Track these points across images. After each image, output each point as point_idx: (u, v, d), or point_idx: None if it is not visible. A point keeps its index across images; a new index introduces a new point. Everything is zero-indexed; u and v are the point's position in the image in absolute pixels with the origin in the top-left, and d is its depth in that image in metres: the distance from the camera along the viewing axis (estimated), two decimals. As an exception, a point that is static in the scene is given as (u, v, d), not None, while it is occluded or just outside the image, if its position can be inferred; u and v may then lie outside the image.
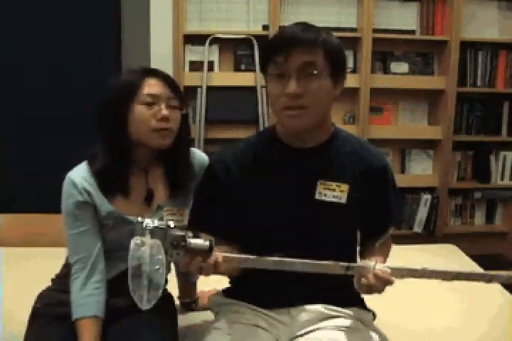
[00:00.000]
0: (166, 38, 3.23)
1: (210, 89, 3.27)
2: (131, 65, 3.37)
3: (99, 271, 1.48)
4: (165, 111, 1.45)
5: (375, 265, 1.27)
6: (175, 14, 3.20)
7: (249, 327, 1.43)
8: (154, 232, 1.12)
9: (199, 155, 1.61)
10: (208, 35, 3.23)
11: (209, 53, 3.27)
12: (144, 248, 1.13)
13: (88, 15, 3.30)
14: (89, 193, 1.48)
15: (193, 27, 3.28)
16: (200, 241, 1.15)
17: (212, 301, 1.62)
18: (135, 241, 1.14)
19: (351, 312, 1.50)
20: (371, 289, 1.28)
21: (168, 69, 3.26)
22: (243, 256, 1.23)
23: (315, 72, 1.34)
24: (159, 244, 1.12)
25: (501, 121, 3.60)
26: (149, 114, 1.44)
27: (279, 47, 1.35)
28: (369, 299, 1.58)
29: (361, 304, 1.56)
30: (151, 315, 1.50)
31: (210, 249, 1.15)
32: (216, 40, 3.28)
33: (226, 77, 3.33)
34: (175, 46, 3.23)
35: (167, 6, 3.19)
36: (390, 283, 1.27)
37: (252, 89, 3.30)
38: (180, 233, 1.14)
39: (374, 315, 1.58)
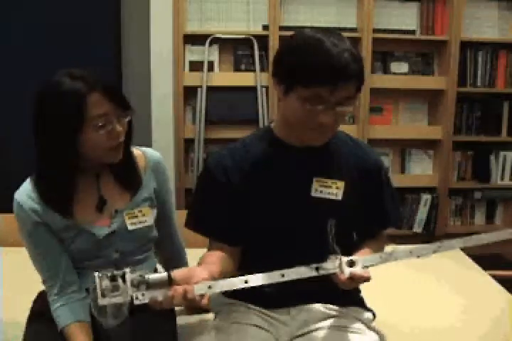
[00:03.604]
0: (166, 38, 3.23)
1: (210, 89, 3.28)
2: (131, 65, 3.39)
3: (70, 284, 1.47)
4: (119, 128, 1.38)
5: (340, 262, 1.22)
6: (175, 14, 3.20)
7: (249, 327, 1.43)
8: (113, 288, 1.11)
9: (151, 152, 1.58)
10: (208, 35, 3.23)
11: (209, 53, 3.28)
12: (106, 298, 1.11)
13: (88, 15, 3.30)
14: (37, 212, 1.43)
15: (193, 27, 3.28)
16: (158, 275, 1.14)
17: (213, 301, 1.62)
18: (96, 303, 1.11)
19: (351, 312, 1.50)
20: (348, 285, 1.25)
21: (168, 69, 3.27)
22: (211, 282, 1.18)
23: (350, 107, 1.33)
24: (123, 303, 1.11)
25: (501, 121, 3.60)
26: (103, 135, 1.36)
27: (328, 80, 1.26)
28: (369, 299, 1.59)
29: (361, 303, 1.56)
30: (149, 315, 1.50)
31: (170, 279, 1.14)
32: (216, 40, 3.28)
33: (226, 77, 3.33)
34: (175, 46, 3.23)
35: (167, 6, 3.19)
36: (364, 278, 1.24)
37: (252, 89, 3.30)
38: (136, 274, 1.13)
39: (374, 315, 1.58)
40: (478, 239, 1.27)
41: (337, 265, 1.23)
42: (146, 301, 1.13)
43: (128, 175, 1.52)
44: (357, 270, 1.23)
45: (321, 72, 1.26)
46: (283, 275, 1.18)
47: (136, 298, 1.12)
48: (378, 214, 1.52)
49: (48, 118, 1.36)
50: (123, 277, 1.12)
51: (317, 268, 1.20)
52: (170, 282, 1.14)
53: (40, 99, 1.38)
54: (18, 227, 1.48)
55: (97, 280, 1.11)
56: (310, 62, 1.28)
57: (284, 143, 1.45)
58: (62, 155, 1.39)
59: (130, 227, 1.50)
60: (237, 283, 1.18)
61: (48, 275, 1.48)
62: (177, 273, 1.16)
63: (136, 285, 1.12)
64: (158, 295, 1.13)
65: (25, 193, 1.45)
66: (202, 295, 1.16)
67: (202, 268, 1.26)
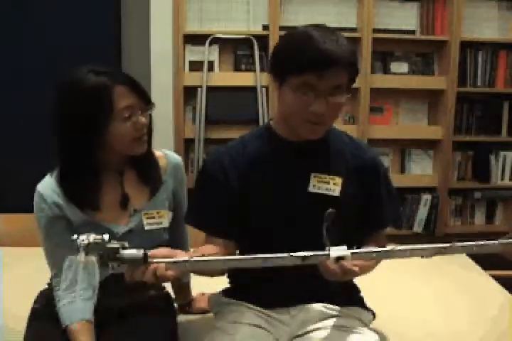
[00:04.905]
0: (166, 38, 3.23)
1: (210, 89, 3.27)
2: (131, 65, 3.38)
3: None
4: (143, 120, 1.42)
5: (329, 253, 1.19)
6: (175, 14, 3.20)
7: (250, 327, 1.43)
8: (90, 248, 1.11)
9: (171, 155, 1.60)
10: (208, 35, 3.23)
11: (209, 53, 3.27)
12: (77, 265, 1.12)
13: (88, 15, 3.30)
14: (59, 206, 1.45)
15: (193, 27, 3.28)
16: (134, 252, 1.14)
17: (212, 301, 1.62)
18: (68, 260, 1.13)
19: (351, 312, 1.50)
20: (333, 275, 1.23)
21: (168, 69, 3.27)
22: (187, 259, 1.17)
23: (342, 94, 1.36)
24: (94, 262, 1.11)
25: (501, 121, 3.60)
26: (129, 126, 1.40)
27: (313, 66, 1.31)
28: (369, 299, 1.59)
29: (361, 303, 1.56)
30: (150, 315, 1.50)
31: (145, 259, 1.15)
32: (216, 40, 3.28)
33: (226, 77, 3.33)
34: (175, 46, 3.23)
35: (167, 6, 3.19)
36: (351, 272, 1.21)
37: (252, 89, 3.30)
38: (115, 245, 1.13)
39: (374, 315, 1.58)
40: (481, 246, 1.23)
41: (326, 256, 1.19)
42: (120, 271, 1.15)
43: (150, 170, 1.53)
44: (345, 263, 1.19)
45: (307, 58, 1.31)
46: (265, 260, 1.17)
47: (112, 268, 1.14)
48: (376, 213, 1.52)
49: (77, 115, 1.39)
50: (102, 244, 1.12)
51: (303, 258, 1.19)
52: (145, 259, 1.14)
53: (65, 97, 1.42)
54: (36, 219, 1.48)
55: (77, 236, 1.12)
56: (297, 51, 1.33)
57: (283, 138, 1.46)
58: (89, 151, 1.42)
59: (147, 227, 1.51)
60: (216, 263, 1.18)
61: (58, 270, 1.48)
62: (157, 252, 1.18)
63: (111, 257, 1.13)
64: (132, 267, 1.15)
65: (49, 186, 1.47)
66: (176, 277, 1.18)
67: (185, 252, 1.25)
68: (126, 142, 1.43)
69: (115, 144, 1.43)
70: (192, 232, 1.61)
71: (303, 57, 1.32)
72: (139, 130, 1.43)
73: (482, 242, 1.21)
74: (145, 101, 1.45)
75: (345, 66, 1.33)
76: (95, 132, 1.39)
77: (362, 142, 1.61)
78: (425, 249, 1.20)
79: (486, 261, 2.35)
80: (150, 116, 1.48)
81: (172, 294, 1.73)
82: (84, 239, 1.11)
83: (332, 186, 1.45)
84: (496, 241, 1.21)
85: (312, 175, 1.44)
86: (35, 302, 1.58)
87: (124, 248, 1.14)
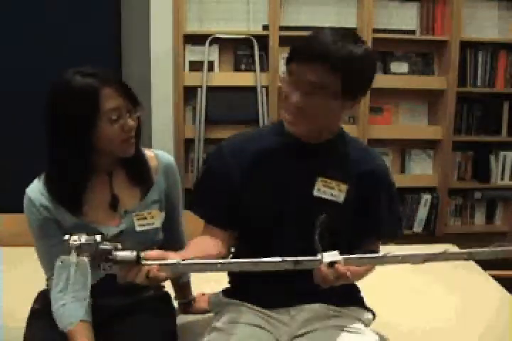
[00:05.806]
0: (166, 38, 3.23)
1: (210, 89, 3.27)
2: (131, 65, 3.38)
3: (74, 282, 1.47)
4: (131, 122, 1.41)
5: (321, 258, 1.19)
6: (175, 14, 3.20)
7: (250, 327, 1.44)
8: (82, 249, 1.11)
9: (163, 155, 1.59)
10: (208, 35, 3.23)
11: (209, 53, 3.27)
12: (69, 266, 1.11)
13: (88, 15, 3.30)
14: (48, 209, 1.45)
15: (193, 27, 3.28)
16: (127, 253, 1.14)
17: (212, 301, 1.62)
18: (60, 260, 1.12)
19: (351, 312, 1.50)
20: (325, 280, 1.21)
21: (168, 69, 3.27)
22: (181, 261, 1.17)
23: (323, 96, 1.32)
24: (86, 262, 1.11)
25: (501, 121, 3.59)
26: (116, 129, 1.39)
27: (300, 56, 1.31)
28: (369, 299, 1.59)
29: (361, 304, 1.56)
30: (149, 315, 1.50)
31: (138, 260, 1.15)
32: (216, 40, 3.28)
33: (226, 77, 3.33)
34: (175, 46, 3.23)
35: (167, 6, 3.19)
36: (343, 275, 1.20)
37: (252, 89, 3.30)
38: (107, 247, 1.13)
39: (374, 315, 1.58)
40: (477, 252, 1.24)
41: (318, 261, 1.19)
42: (112, 272, 1.14)
43: (140, 170, 1.53)
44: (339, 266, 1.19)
45: (296, 47, 1.34)
46: (256, 265, 1.17)
47: (104, 269, 1.13)
48: (374, 224, 1.50)
49: (64, 116, 1.38)
50: (94, 245, 1.12)
51: (296, 262, 1.18)
52: (138, 261, 1.14)
53: (53, 98, 1.41)
54: (27, 222, 1.49)
55: (68, 237, 1.12)
56: (296, 43, 1.35)
57: (293, 137, 1.43)
58: (77, 153, 1.41)
59: (138, 228, 1.50)
60: (208, 266, 1.18)
61: (52, 272, 1.47)
62: (149, 254, 1.18)
63: (104, 258, 1.13)
64: (123, 269, 1.14)
65: (37, 189, 1.47)
66: (166, 277, 1.18)
67: (178, 253, 1.25)
68: (114, 144, 1.41)
69: (103, 146, 1.42)
70: (191, 233, 1.61)
71: (294, 47, 1.34)
72: (127, 132, 1.42)
73: (473, 250, 1.22)
74: (133, 102, 1.43)
75: (333, 67, 1.28)
76: (82, 133, 1.38)
77: (373, 150, 1.58)
78: (417, 255, 1.21)
79: (485, 261, 2.35)
80: (139, 118, 1.46)
81: (172, 294, 1.74)
82: (75, 239, 1.11)
83: (337, 192, 1.43)
84: (487, 249, 1.22)
85: (319, 179, 1.43)
86: (35, 302, 1.59)
87: (116, 249, 1.14)
